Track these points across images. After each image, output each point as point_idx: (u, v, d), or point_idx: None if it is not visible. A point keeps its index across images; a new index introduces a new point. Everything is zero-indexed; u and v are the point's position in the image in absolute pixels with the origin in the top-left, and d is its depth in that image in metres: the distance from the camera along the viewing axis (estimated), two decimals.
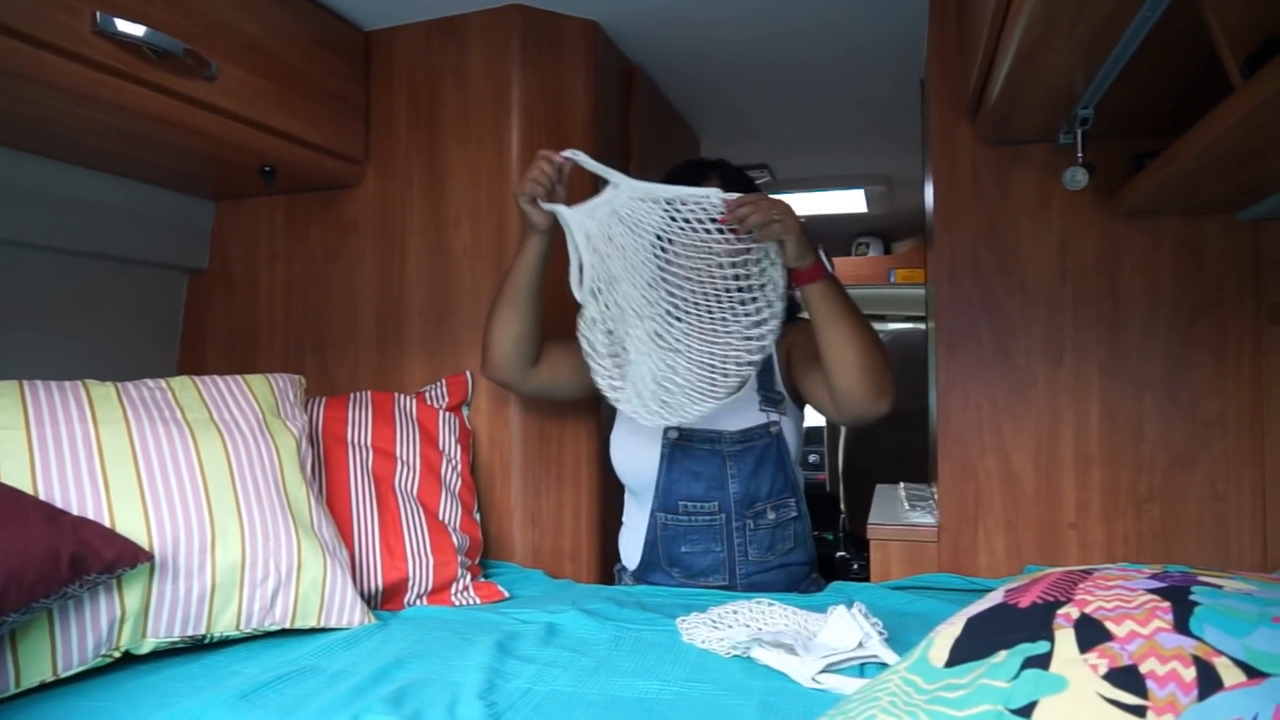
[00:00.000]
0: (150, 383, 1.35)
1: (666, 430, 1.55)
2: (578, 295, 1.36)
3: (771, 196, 1.32)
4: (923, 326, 3.26)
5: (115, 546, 1.06)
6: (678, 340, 1.33)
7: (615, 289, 1.35)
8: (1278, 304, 1.43)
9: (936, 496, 1.61)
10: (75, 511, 1.10)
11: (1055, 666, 0.66)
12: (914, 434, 2.28)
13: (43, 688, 1.04)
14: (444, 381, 1.73)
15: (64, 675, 1.05)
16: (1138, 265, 1.48)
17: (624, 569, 1.64)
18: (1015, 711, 0.65)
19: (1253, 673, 0.61)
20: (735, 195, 1.31)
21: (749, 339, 1.32)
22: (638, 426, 1.58)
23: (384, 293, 1.83)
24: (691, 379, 1.33)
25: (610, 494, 1.79)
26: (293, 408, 1.45)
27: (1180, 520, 1.45)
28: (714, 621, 1.23)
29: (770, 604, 1.26)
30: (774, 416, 1.55)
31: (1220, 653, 0.63)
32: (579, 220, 1.34)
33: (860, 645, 1.09)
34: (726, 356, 1.32)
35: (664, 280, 1.33)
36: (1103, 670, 0.65)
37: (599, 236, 1.33)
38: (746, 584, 1.53)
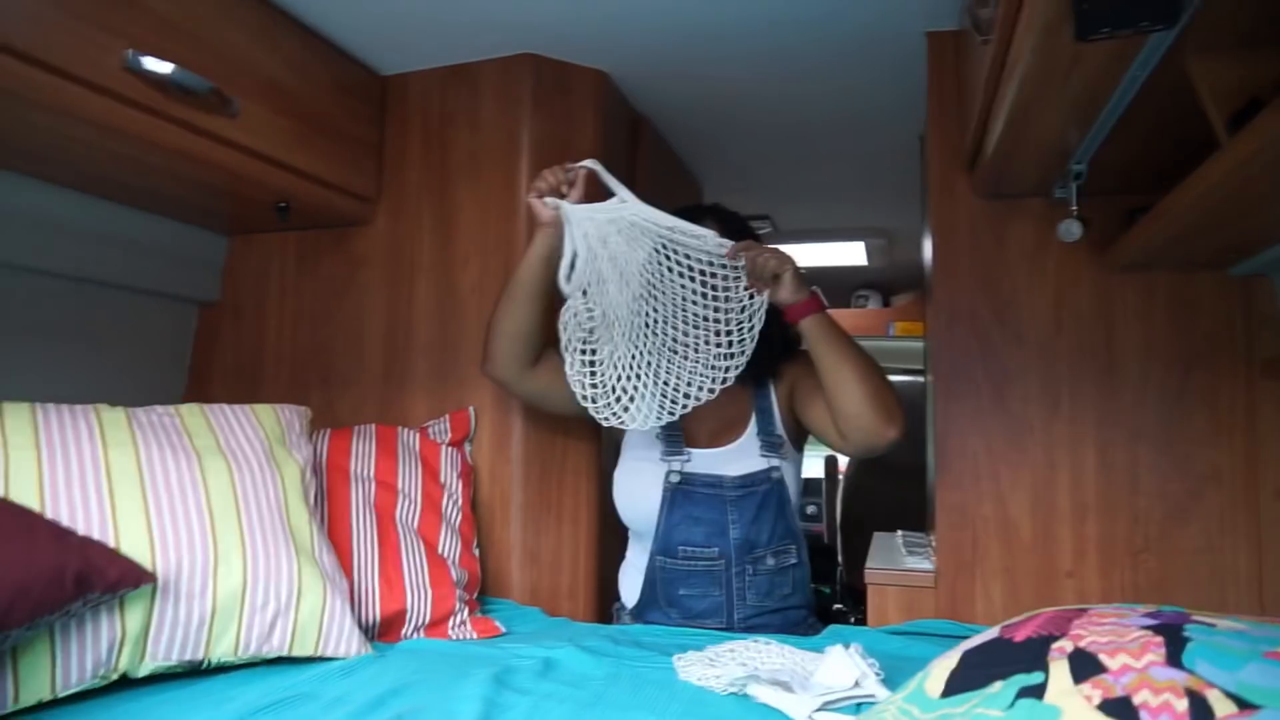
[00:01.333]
0: (160, 409, 1.37)
1: (668, 474, 1.56)
2: (564, 287, 1.44)
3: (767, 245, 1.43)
4: (921, 380, 3.28)
5: (119, 567, 1.07)
6: (649, 353, 1.44)
7: (602, 290, 1.42)
8: (1270, 358, 1.45)
9: (934, 544, 1.62)
10: (81, 531, 1.11)
11: (1050, 697, 0.67)
12: (912, 487, 2.28)
13: (40, 707, 1.04)
14: (447, 417, 1.74)
15: (61, 695, 1.05)
16: (1132, 318, 1.51)
17: (622, 607, 1.64)
18: None
19: (1244, 705, 0.62)
20: (731, 243, 1.42)
21: (714, 369, 1.43)
22: (640, 468, 1.60)
23: (391, 328, 1.86)
24: (654, 391, 1.44)
25: (609, 534, 1.79)
26: (298, 438, 1.47)
27: (1176, 571, 1.46)
28: (711, 660, 1.24)
29: (767, 643, 1.26)
30: (775, 462, 1.56)
31: (1213, 685, 0.64)
32: (579, 217, 1.43)
33: (856, 685, 1.10)
34: (691, 380, 1.43)
35: (648, 295, 1.42)
36: (1096, 700, 0.66)
37: (595, 237, 1.42)
38: (744, 627, 1.53)
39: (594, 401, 1.46)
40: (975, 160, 1.51)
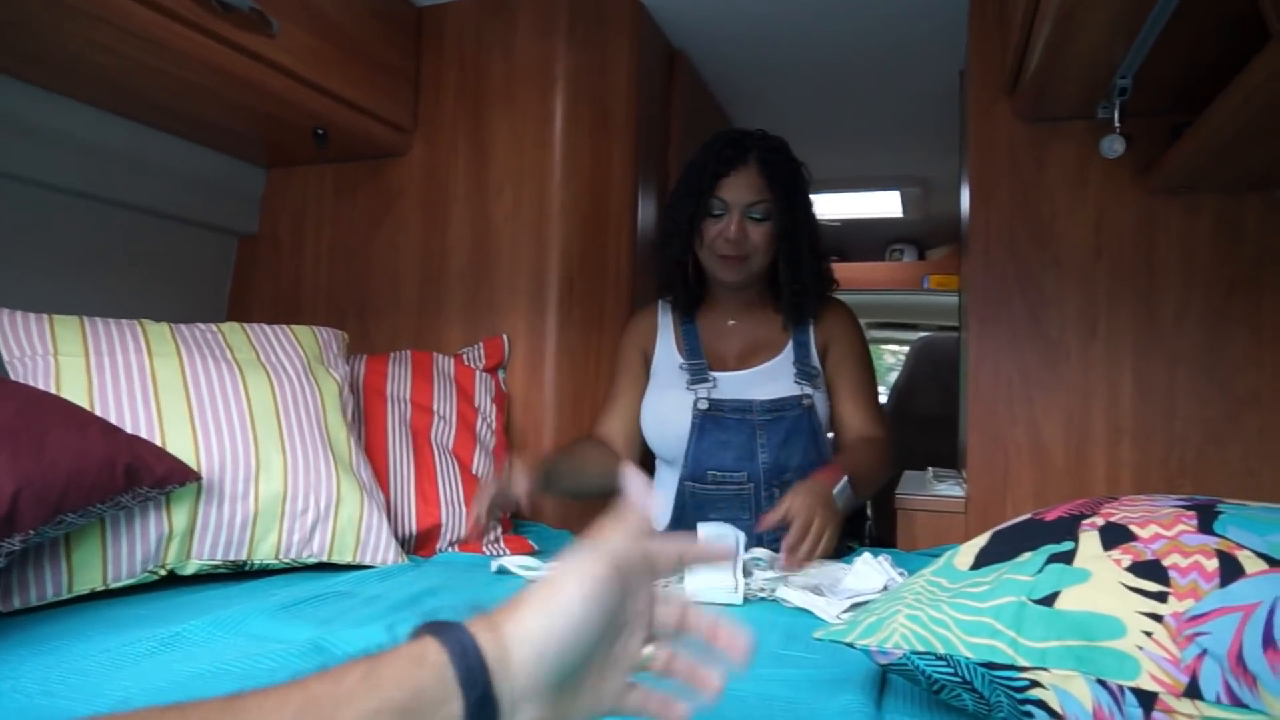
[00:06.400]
0: (201, 326, 1.41)
1: (696, 400, 1.57)
2: None
3: (803, 499, 1.26)
4: (955, 335, 3.25)
5: (166, 464, 1.10)
6: None
7: None
8: None
9: (965, 473, 1.61)
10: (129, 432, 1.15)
11: (1079, 562, 0.68)
12: (942, 439, 2.27)
13: (92, 596, 1.08)
14: (481, 344, 1.76)
15: (113, 586, 1.09)
16: (1174, 242, 1.48)
17: None
18: (1037, 601, 0.66)
19: (1274, 562, 0.62)
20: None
21: None
22: (668, 396, 1.61)
23: (426, 258, 1.88)
24: None
25: (641, 461, 1.80)
26: (335, 358, 1.50)
27: (1213, 495, 1.44)
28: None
29: None
30: (807, 390, 1.56)
31: (1243, 547, 0.64)
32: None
33: (885, 589, 1.11)
34: None
35: None
36: (1126, 564, 0.66)
37: None
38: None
39: None
40: (1016, 83, 1.48)
